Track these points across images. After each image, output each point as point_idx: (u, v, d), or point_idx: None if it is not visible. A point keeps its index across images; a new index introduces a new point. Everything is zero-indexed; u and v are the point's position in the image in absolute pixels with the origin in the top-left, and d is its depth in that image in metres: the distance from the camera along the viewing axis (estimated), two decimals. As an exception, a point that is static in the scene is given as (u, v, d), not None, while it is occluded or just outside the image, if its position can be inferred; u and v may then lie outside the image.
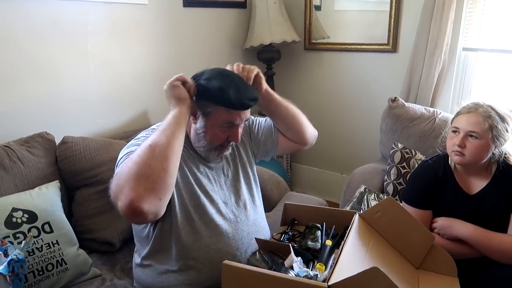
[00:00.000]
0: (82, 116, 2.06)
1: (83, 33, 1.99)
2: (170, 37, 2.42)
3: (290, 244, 1.20)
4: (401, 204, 1.57)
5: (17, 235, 1.39)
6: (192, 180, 1.32)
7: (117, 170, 1.16)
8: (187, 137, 1.36)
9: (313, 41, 2.94)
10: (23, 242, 1.33)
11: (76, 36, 1.96)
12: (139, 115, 2.32)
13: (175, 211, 1.27)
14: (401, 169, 2.01)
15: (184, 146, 1.21)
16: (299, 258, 1.13)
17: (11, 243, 1.34)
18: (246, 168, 1.49)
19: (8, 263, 1.20)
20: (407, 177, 1.92)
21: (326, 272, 1.06)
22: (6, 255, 1.25)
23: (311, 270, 1.08)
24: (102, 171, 1.73)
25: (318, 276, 1.04)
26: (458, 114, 1.53)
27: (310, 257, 1.18)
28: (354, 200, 1.97)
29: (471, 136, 1.45)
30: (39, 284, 1.39)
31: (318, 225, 1.33)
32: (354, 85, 2.83)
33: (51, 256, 1.43)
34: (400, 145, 2.07)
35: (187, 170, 1.32)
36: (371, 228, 1.25)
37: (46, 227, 1.46)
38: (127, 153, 1.19)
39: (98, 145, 1.79)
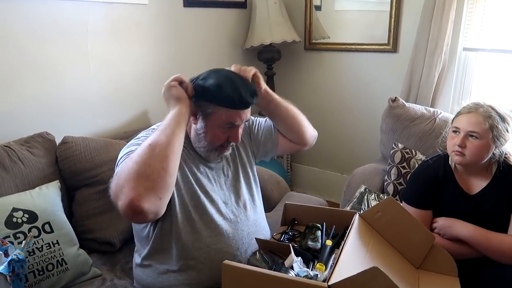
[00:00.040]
0: (82, 116, 2.06)
1: (83, 33, 1.99)
2: (170, 37, 2.42)
3: (290, 244, 1.20)
4: (401, 204, 1.56)
5: (18, 235, 1.39)
6: (192, 180, 1.32)
7: (117, 170, 1.16)
8: (187, 137, 1.36)
9: (313, 41, 2.94)
10: (24, 242, 1.33)
11: (76, 36, 1.96)
12: (139, 115, 2.32)
13: (175, 211, 1.27)
14: (401, 169, 2.01)
15: (184, 146, 1.21)
16: (299, 258, 1.13)
17: (12, 243, 1.34)
18: (246, 168, 1.49)
19: (9, 263, 1.20)
20: (408, 177, 1.92)
21: (326, 272, 1.06)
22: (6, 255, 1.25)
23: (311, 270, 1.08)
24: (102, 171, 1.73)
25: (318, 276, 1.04)
26: (458, 114, 1.52)
27: (310, 257, 1.18)
28: (354, 200, 1.97)
29: (471, 136, 1.45)
30: (40, 284, 1.39)
31: (318, 225, 1.33)
32: (354, 85, 2.83)
33: (51, 256, 1.43)
34: (400, 145, 2.07)
35: (187, 170, 1.32)
36: (371, 228, 1.25)
37: (47, 227, 1.46)
38: (127, 152, 1.19)
39: (98, 145, 1.79)
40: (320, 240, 1.28)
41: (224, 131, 1.28)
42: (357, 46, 2.74)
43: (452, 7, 2.18)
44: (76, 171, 1.71)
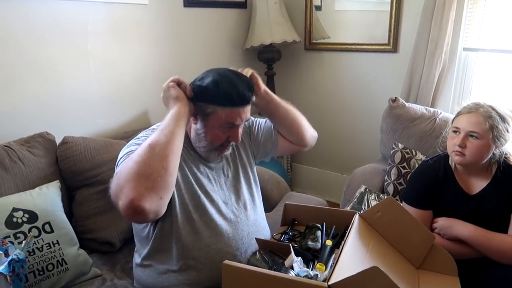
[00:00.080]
0: (83, 116, 2.06)
1: (83, 33, 1.99)
2: (170, 37, 2.42)
3: (290, 244, 1.20)
4: (401, 204, 1.56)
5: (18, 235, 1.39)
6: (193, 180, 1.32)
7: (117, 170, 1.16)
8: (187, 137, 1.36)
9: (314, 41, 2.94)
10: (24, 242, 1.33)
11: (76, 36, 1.96)
12: (140, 115, 2.32)
13: (175, 211, 1.27)
14: (401, 169, 2.01)
15: (184, 146, 1.21)
16: (299, 258, 1.13)
17: (12, 243, 1.34)
18: (246, 169, 1.49)
19: (9, 263, 1.20)
20: (408, 177, 1.92)
21: (326, 272, 1.06)
22: (6, 255, 1.25)
23: (312, 270, 1.08)
24: (103, 171, 1.73)
25: (319, 276, 1.04)
26: (458, 114, 1.53)
27: (310, 257, 1.18)
28: (355, 200, 1.97)
29: (471, 136, 1.45)
30: (40, 284, 1.39)
31: (318, 225, 1.33)
32: (354, 85, 2.83)
33: (51, 256, 1.43)
34: (400, 145, 2.07)
35: (187, 170, 1.32)
36: (371, 228, 1.25)
37: (47, 227, 1.46)
38: (127, 152, 1.19)
39: (99, 145, 1.79)
40: (320, 240, 1.28)
41: (224, 131, 1.28)
42: (357, 46, 2.74)
43: (452, 7, 2.18)
44: (76, 171, 1.71)
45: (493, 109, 1.45)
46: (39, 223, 1.45)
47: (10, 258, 1.22)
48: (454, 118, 1.55)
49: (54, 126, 1.86)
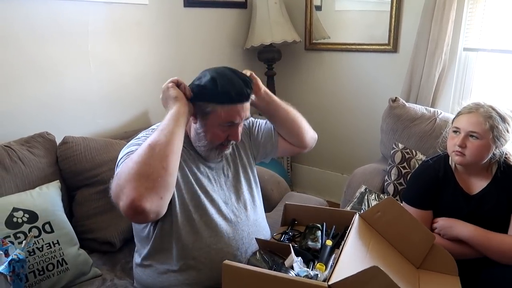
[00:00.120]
0: (83, 116, 2.06)
1: (83, 33, 1.99)
2: (170, 37, 2.42)
3: (290, 244, 1.20)
4: (401, 204, 1.56)
5: (18, 235, 1.39)
6: (193, 180, 1.32)
7: (117, 170, 1.16)
8: (187, 137, 1.36)
9: (314, 41, 2.94)
10: (24, 242, 1.33)
11: (76, 36, 1.96)
12: (140, 115, 2.32)
13: (175, 211, 1.27)
14: (401, 169, 2.01)
15: (184, 146, 1.22)
16: (300, 258, 1.13)
17: (12, 243, 1.34)
18: (246, 169, 1.49)
19: (9, 263, 1.20)
20: (408, 178, 1.92)
21: (327, 272, 1.06)
22: (7, 255, 1.25)
23: (312, 270, 1.08)
24: (103, 171, 1.73)
25: (319, 276, 1.04)
26: (458, 114, 1.53)
27: (310, 257, 1.18)
28: (355, 200, 1.97)
29: (471, 136, 1.45)
30: (40, 284, 1.39)
31: (319, 225, 1.33)
32: (354, 85, 2.83)
33: (51, 256, 1.43)
34: (400, 145, 2.07)
35: (187, 170, 1.32)
36: (371, 228, 1.25)
37: (47, 227, 1.46)
38: (127, 153, 1.19)
39: (99, 145, 1.79)
40: (320, 240, 1.28)
41: (224, 129, 1.28)
42: (357, 46, 2.74)
43: (452, 7, 2.18)
44: (77, 171, 1.72)
45: (493, 109, 1.45)
46: (39, 223, 1.45)
47: (10, 258, 1.22)
48: (454, 118, 1.55)
49: (54, 126, 1.86)
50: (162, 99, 1.26)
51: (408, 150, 2.05)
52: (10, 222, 1.40)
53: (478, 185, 1.52)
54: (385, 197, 1.92)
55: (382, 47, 2.63)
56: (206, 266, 1.29)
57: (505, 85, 2.28)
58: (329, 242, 1.22)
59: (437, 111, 2.19)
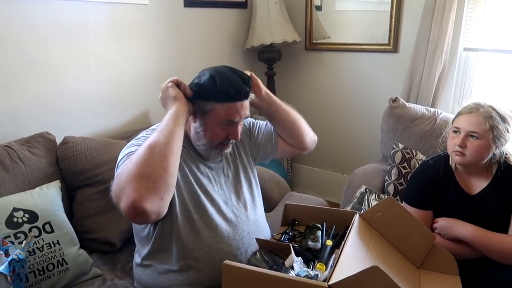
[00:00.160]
0: (83, 116, 2.06)
1: (83, 33, 1.99)
2: (170, 37, 2.42)
3: (290, 244, 1.20)
4: (401, 204, 1.56)
5: (18, 235, 1.39)
6: (193, 180, 1.32)
7: (118, 171, 1.16)
8: (187, 136, 1.36)
9: (314, 41, 2.94)
10: (24, 242, 1.33)
11: (76, 36, 1.96)
12: (140, 115, 2.32)
13: (175, 211, 1.27)
14: (402, 169, 2.01)
15: (184, 146, 1.22)
16: (300, 258, 1.13)
17: (12, 243, 1.34)
18: (247, 169, 1.49)
19: (9, 263, 1.20)
20: (408, 178, 1.92)
21: (327, 272, 1.06)
22: (7, 255, 1.25)
23: (312, 270, 1.08)
24: (103, 171, 1.73)
25: (319, 276, 1.04)
26: (459, 114, 1.52)
27: (310, 257, 1.18)
28: (355, 200, 1.97)
29: (472, 136, 1.45)
30: (40, 284, 1.39)
31: (319, 225, 1.33)
32: (355, 85, 2.83)
33: (52, 256, 1.43)
34: (401, 145, 2.07)
35: (187, 170, 1.32)
36: (371, 228, 1.25)
37: (47, 227, 1.46)
38: (127, 153, 1.19)
39: (99, 145, 1.79)
40: (320, 240, 1.28)
41: (223, 128, 1.28)
42: (357, 46, 2.74)
43: (452, 7, 2.18)
44: (77, 171, 1.72)
45: (494, 109, 1.45)
46: (39, 223, 1.45)
47: (10, 258, 1.22)
48: (454, 118, 1.55)
49: (54, 126, 1.86)
50: (161, 98, 1.26)
51: (408, 150, 2.05)
52: (10, 222, 1.40)
53: (478, 185, 1.52)
54: (385, 197, 1.92)
55: (382, 47, 2.63)
56: (206, 266, 1.29)
57: (505, 85, 2.28)
58: (329, 242, 1.22)
59: (437, 111, 2.18)
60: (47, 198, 1.53)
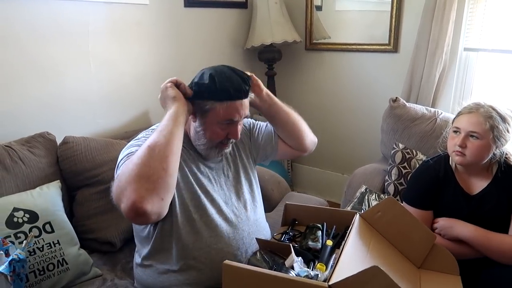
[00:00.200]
0: (83, 116, 2.06)
1: (84, 33, 1.99)
2: (171, 37, 2.42)
3: (290, 244, 1.20)
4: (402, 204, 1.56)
5: (18, 235, 1.39)
6: (193, 180, 1.32)
7: (118, 172, 1.16)
8: (187, 136, 1.36)
9: (314, 41, 2.94)
10: (24, 242, 1.33)
11: (77, 36, 1.96)
12: (140, 115, 2.32)
13: (175, 211, 1.27)
14: (402, 169, 2.01)
15: (184, 146, 1.22)
16: (300, 258, 1.13)
17: (12, 243, 1.34)
18: (247, 169, 1.49)
19: (9, 263, 1.20)
20: (408, 178, 1.92)
21: (327, 272, 1.06)
22: (7, 255, 1.25)
23: (312, 270, 1.08)
24: (103, 171, 1.73)
25: (319, 276, 1.04)
26: (459, 114, 1.53)
27: (310, 257, 1.18)
28: (355, 200, 1.97)
29: (472, 136, 1.45)
30: (40, 284, 1.39)
31: (319, 225, 1.33)
32: (355, 85, 2.83)
33: (52, 256, 1.43)
34: (401, 145, 2.07)
35: (187, 170, 1.32)
36: (372, 228, 1.25)
37: (47, 227, 1.46)
38: (127, 154, 1.19)
39: (99, 145, 1.79)
40: (320, 240, 1.27)
41: (223, 127, 1.28)
42: (358, 46, 2.74)
43: (453, 7, 2.18)
44: (77, 171, 1.72)
45: (494, 109, 1.45)
46: (39, 223, 1.45)
47: (10, 258, 1.22)
48: (454, 118, 1.55)
49: (54, 126, 1.86)
50: (160, 99, 1.26)
51: (408, 150, 2.05)
52: (10, 222, 1.40)
53: (478, 185, 1.52)
54: (386, 197, 1.91)
55: (383, 47, 2.63)
56: (206, 266, 1.29)
57: (505, 85, 2.28)
58: (329, 242, 1.22)
59: (438, 111, 2.18)
60: (48, 198, 1.53)
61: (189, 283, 1.29)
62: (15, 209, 1.43)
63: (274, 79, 2.96)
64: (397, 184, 1.99)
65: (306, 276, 1.04)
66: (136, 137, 1.31)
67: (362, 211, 1.35)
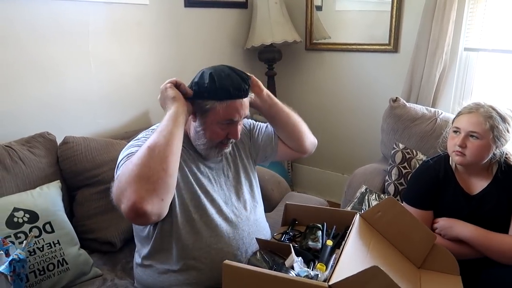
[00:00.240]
0: (83, 116, 2.06)
1: (84, 33, 1.99)
2: (171, 37, 2.42)
3: (290, 244, 1.20)
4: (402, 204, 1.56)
5: (19, 235, 1.39)
6: (193, 180, 1.32)
7: (118, 173, 1.16)
8: (187, 136, 1.36)
9: (314, 41, 2.94)
10: (25, 242, 1.33)
11: (77, 36, 1.96)
12: (140, 115, 2.32)
13: (175, 211, 1.27)
14: (402, 169, 2.00)
15: (183, 146, 1.22)
16: (300, 258, 1.13)
17: (13, 243, 1.34)
18: (247, 169, 1.49)
19: (10, 263, 1.20)
20: (408, 178, 1.92)
21: (327, 272, 1.06)
22: (7, 255, 1.25)
23: (312, 270, 1.08)
24: (103, 171, 1.73)
25: (319, 276, 1.04)
26: (459, 114, 1.53)
27: (310, 257, 1.18)
28: (355, 200, 1.97)
29: (472, 136, 1.45)
30: (40, 284, 1.39)
31: (319, 225, 1.33)
32: (355, 85, 2.83)
33: (52, 256, 1.43)
34: (401, 145, 2.07)
35: (187, 171, 1.32)
36: (372, 228, 1.25)
37: (47, 227, 1.46)
38: (127, 154, 1.19)
39: (99, 145, 1.79)
40: (320, 240, 1.27)
41: (223, 127, 1.28)
42: (358, 46, 2.74)
43: (453, 7, 2.18)
44: (77, 171, 1.72)
45: (494, 109, 1.45)
46: (39, 223, 1.45)
47: (11, 258, 1.22)
48: (454, 118, 1.55)
49: (55, 126, 1.86)
50: (160, 99, 1.26)
51: (408, 150, 2.05)
52: (10, 222, 1.40)
53: (478, 185, 1.52)
54: (386, 197, 1.91)
55: (383, 47, 2.63)
56: (206, 266, 1.29)
57: (505, 85, 2.28)
58: (329, 242, 1.22)
59: (438, 111, 2.18)
60: (48, 198, 1.53)
61: (189, 283, 1.29)
62: (15, 209, 1.43)
63: (274, 79, 2.96)
64: (397, 184, 1.99)
65: (306, 276, 1.04)
66: (136, 138, 1.31)
67: (362, 211, 1.35)
